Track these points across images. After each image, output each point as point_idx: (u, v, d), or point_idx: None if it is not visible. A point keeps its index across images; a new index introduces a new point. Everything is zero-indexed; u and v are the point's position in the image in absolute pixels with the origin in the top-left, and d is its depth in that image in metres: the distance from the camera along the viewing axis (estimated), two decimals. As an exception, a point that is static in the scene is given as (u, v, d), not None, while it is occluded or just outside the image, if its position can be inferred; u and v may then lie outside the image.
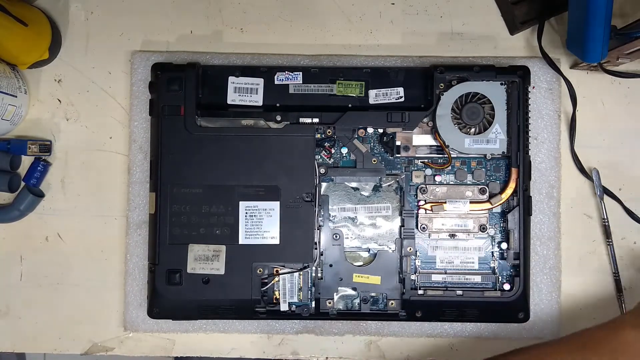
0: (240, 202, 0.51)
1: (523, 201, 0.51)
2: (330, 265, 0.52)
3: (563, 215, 0.54)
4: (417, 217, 0.52)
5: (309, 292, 0.52)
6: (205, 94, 0.52)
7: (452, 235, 0.52)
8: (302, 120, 0.52)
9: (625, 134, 0.55)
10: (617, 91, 0.55)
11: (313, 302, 0.52)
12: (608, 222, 0.54)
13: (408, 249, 0.51)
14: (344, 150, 0.52)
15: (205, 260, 0.51)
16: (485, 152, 0.51)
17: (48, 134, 0.55)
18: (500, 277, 0.52)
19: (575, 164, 0.54)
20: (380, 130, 0.52)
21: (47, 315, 0.55)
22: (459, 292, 0.51)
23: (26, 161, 0.55)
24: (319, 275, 0.52)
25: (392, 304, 0.51)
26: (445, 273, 0.52)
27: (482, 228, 0.52)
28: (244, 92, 0.52)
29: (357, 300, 0.52)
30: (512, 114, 0.51)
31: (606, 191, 0.54)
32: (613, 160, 0.55)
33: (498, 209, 0.52)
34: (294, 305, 0.52)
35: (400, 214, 0.52)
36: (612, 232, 0.54)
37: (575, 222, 0.55)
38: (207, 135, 0.51)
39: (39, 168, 0.54)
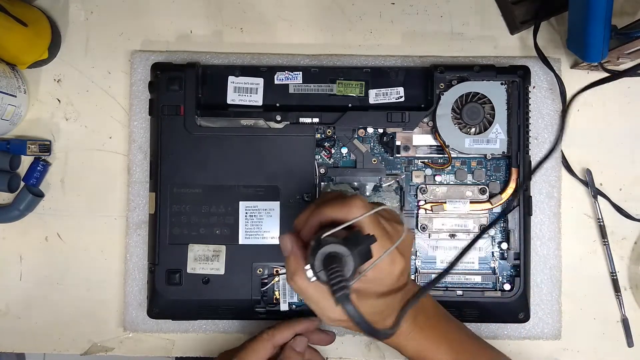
0: (240, 202, 0.51)
1: (523, 201, 0.51)
2: (330, 265, 0.52)
3: (563, 215, 0.54)
4: (417, 217, 0.52)
5: (309, 292, 0.52)
6: (205, 93, 0.52)
7: (452, 235, 0.52)
8: (302, 120, 0.52)
9: (625, 134, 0.55)
10: (617, 91, 0.55)
11: (313, 302, 0.52)
12: (603, 221, 0.54)
13: (408, 249, 0.51)
14: (344, 150, 0.52)
15: (205, 260, 0.51)
16: (485, 152, 0.51)
17: (47, 134, 0.55)
18: (500, 277, 0.52)
19: (562, 163, 0.54)
20: (380, 130, 0.52)
21: (47, 315, 0.55)
22: (459, 292, 0.51)
23: (26, 161, 0.55)
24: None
25: (392, 304, 0.51)
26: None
27: (482, 228, 0.52)
28: (244, 92, 0.52)
29: (357, 300, 0.52)
30: (513, 114, 0.51)
31: (598, 190, 0.54)
32: (613, 160, 0.55)
33: (498, 209, 0.52)
34: (294, 305, 0.52)
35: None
36: (612, 231, 0.54)
37: (575, 222, 0.55)
38: (207, 135, 0.51)
39: (38, 168, 0.54)
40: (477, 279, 0.52)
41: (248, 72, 0.52)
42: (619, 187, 0.55)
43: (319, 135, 0.52)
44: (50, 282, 0.55)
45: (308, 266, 0.33)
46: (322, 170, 0.52)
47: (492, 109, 0.51)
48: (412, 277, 0.52)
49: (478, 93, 0.51)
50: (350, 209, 0.35)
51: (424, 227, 0.52)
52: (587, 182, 0.54)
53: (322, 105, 0.52)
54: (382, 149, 0.53)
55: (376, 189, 0.53)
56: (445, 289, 0.52)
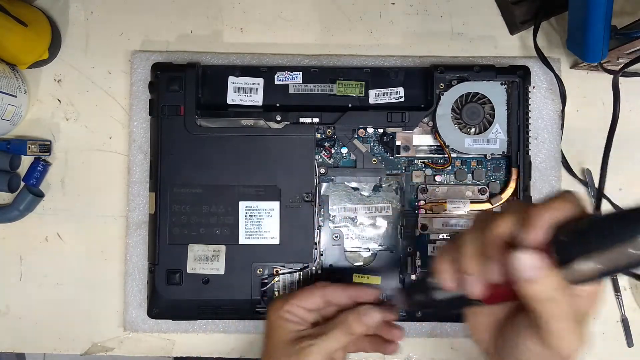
0: (240, 202, 0.51)
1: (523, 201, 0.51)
2: (330, 265, 0.52)
3: (563, 215, 0.54)
4: (417, 217, 0.52)
5: (309, 292, 0.52)
6: (205, 94, 0.52)
7: (452, 235, 0.52)
8: (302, 120, 0.52)
9: (625, 134, 0.55)
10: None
11: (313, 302, 0.52)
12: (603, 222, 0.54)
13: (408, 249, 0.51)
14: (344, 150, 0.52)
15: (205, 260, 0.51)
16: (485, 152, 0.51)
17: (48, 134, 0.55)
18: (500, 277, 0.52)
19: (562, 163, 0.54)
20: (380, 130, 0.52)
21: (47, 315, 0.55)
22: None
23: (26, 161, 0.55)
24: (319, 275, 0.52)
25: (392, 304, 0.51)
26: (445, 273, 0.52)
27: (482, 228, 0.51)
28: (244, 92, 0.52)
29: (357, 300, 0.52)
30: (512, 114, 0.51)
31: (597, 190, 0.54)
32: (613, 160, 0.55)
33: (498, 209, 0.52)
34: (294, 305, 0.52)
35: (401, 214, 0.52)
36: (612, 232, 0.54)
37: (575, 222, 0.54)
38: (207, 135, 0.51)
39: (38, 168, 0.54)
40: (477, 279, 0.52)
41: (248, 72, 0.52)
42: (619, 187, 0.55)
43: (319, 135, 0.52)
44: (50, 282, 0.55)
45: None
46: (322, 170, 0.52)
47: (492, 109, 0.51)
48: (412, 277, 0.52)
49: (478, 93, 0.51)
50: (581, 202, 0.29)
51: (424, 227, 0.52)
52: (587, 182, 0.54)
53: (322, 105, 0.52)
54: (382, 149, 0.53)
55: (376, 189, 0.53)
56: (445, 289, 0.52)
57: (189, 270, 0.51)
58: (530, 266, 0.27)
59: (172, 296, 0.51)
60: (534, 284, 0.27)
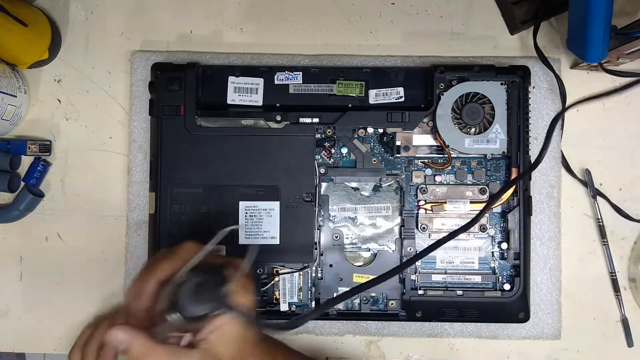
0: (240, 202, 0.51)
1: (523, 201, 0.51)
2: (330, 265, 0.52)
3: (563, 215, 0.54)
4: (417, 217, 0.52)
5: (309, 292, 0.52)
6: (205, 93, 0.52)
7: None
8: (302, 120, 0.52)
9: (625, 134, 0.55)
10: (617, 91, 0.55)
11: (313, 302, 0.52)
12: (602, 222, 0.54)
13: (408, 249, 0.51)
14: (344, 150, 0.52)
15: (205, 260, 0.50)
16: (485, 152, 0.51)
17: (48, 134, 0.55)
18: (500, 277, 0.52)
19: (562, 163, 0.54)
20: (380, 130, 0.52)
21: (47, 315, 0.55)
22: (459, 292, 0.51)
23: (26, 161, 0.55)
24: (319, 275, 0.52)
25: (392, 304, 0.51)
26: (446, 273, 0.52)
27: (482, 228, 0.52)
28: (244, 92, 0.52)
29: (357, 300, 0.52)
30: (512, 114, 0.51)
31: (597, 190, 0.54)
32: (613, 160, 0.55)
33: (498, 209, 0.52)
34: (294, 305, 0.52)
35: (400, 214, 0.52)
36: (611, 231, 0.54)
37: (575, 222, 0.55)
38: (207, 135, 0.51)
39: (38, 168, 0.54)
40: (477, 279, 0.52)
41: (248, 72, 0.52)
42: (619, 188, 0.55)
43: (319, 135, 0.52)
44: (50, 282, 0.55)
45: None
46: (322, 170, 0.52)
47: (492, 109, 0.51)
48: (412, 277, 0.52)
49: (478, 93, 0.51)
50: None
51: (424, 227, 0.52)
52: (587, 182, 0.54)
53: (322, 105, 0.52)
54: (382, 149, 0.53)
55: (376, 189, 0.53)
56: (445, 289, 0.52)
57: (189, 270, 0.50)
58: (121, 340, 0.36)
59: (172, 296, 0.51)
60: (129, 351, 0.36)
